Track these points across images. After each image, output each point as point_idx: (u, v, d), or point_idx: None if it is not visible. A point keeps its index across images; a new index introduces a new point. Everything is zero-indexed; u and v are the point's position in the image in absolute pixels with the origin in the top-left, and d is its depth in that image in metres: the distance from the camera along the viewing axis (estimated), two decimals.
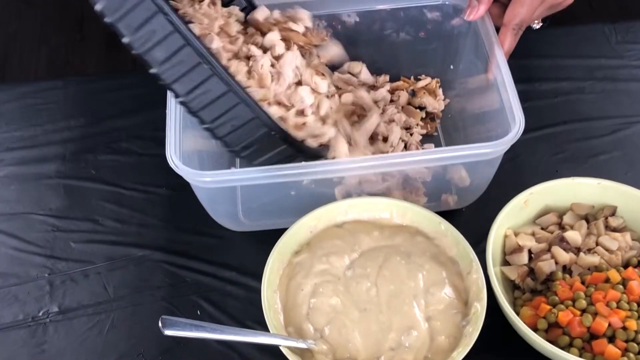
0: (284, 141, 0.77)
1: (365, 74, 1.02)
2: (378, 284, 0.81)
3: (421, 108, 1.03)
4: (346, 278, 0.82)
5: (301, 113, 0.86)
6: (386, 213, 0.88)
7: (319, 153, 0.86)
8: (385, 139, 0.97)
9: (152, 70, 0.69)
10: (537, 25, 1.00)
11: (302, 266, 0.83)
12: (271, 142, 0.77)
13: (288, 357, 0.75)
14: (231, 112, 0.72)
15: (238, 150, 0.77)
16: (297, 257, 0.85)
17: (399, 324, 0.78)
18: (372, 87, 1.03)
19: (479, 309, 0.78)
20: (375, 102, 1.00)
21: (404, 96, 1.03)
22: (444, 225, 0.85)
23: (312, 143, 0.84)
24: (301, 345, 0.77)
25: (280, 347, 0.76)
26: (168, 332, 0.72)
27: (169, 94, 0.81)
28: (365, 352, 0.77)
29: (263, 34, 0.88)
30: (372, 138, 0.96)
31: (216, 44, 0.80)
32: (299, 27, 0.90)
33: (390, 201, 0.87)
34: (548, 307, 0.79)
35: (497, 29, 0.93)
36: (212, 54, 0.70)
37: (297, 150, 0.80)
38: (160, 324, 0.72)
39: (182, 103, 0.72)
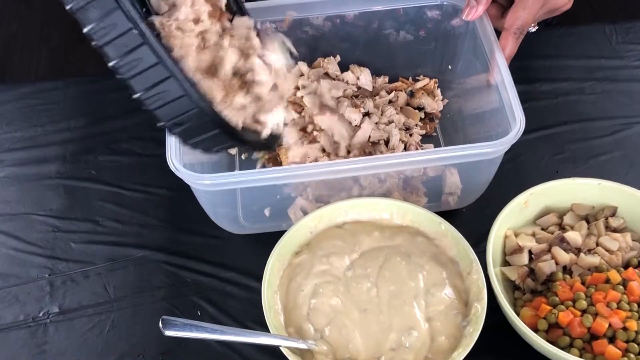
0: (216, 126, 0.71)
1: (365, 79, 1.02)
2: (378, 285, 0.81)
3: (420, 109, 1.03)
4: (346, 278, 0.82)
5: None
6: (386, 213, 0.88)
7: (265, 144, 0.79)
8: (386, 143, 0.97)
9: (85, 30, 0.67)
10: (533, 29, 1.00)
11: (302, 267, 0.83)
12: (203, 124, 0.71)
13: (288, 357, 0.75)
14: (161, 85, 0.69)
15: (169, 127, 0.73)
16: (297, 258, 0.85)
17: (399, 324, 0.78)
18: (371, 93, 1.03)
19: (479, 309, 0.78)
20: (367, 113, 0.99)
21: (402, 97, 1.03)
22: (444, 225, 0.85)
23: (264, 131, 0.77)
24: (301, 345, 0.77)
25: (281, 348, 0.76)
26: (168, 333, 0.72)
27: None
28: (365, 353, 0.77)
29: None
30: (371, 141, 0.96)
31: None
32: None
33: (390, 202, 0.87)
34: (548, 307, 0.79)
35: (495, 30, 0.92)
36: (149, 22, 0.67)
37: (232, 137, 0.73)
38: (160, 325, 0.72)
39: (112, 68, 0.69)
